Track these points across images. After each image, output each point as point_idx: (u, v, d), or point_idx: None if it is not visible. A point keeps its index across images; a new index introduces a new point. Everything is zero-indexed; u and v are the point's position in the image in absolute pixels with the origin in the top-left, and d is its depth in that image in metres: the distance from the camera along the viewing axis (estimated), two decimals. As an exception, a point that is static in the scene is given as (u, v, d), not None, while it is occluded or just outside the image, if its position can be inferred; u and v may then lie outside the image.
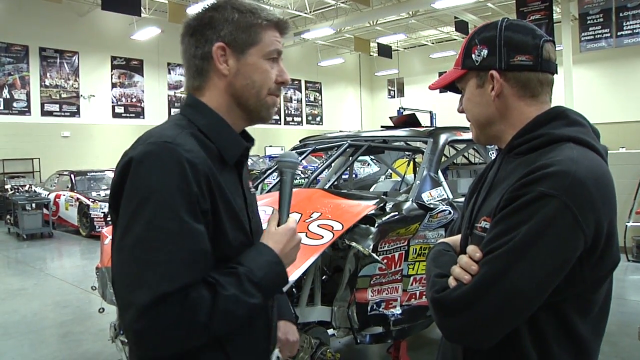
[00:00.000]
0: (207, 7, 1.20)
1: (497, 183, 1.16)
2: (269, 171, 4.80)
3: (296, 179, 4.76)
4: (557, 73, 1.18)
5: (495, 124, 1.18)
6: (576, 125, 1.11)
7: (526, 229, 0.97)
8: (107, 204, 10.15)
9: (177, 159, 1.03)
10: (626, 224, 7.23)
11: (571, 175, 0.98)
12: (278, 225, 1.21)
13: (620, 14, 13.85)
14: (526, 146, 1.12)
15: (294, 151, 4.64)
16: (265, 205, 3.15)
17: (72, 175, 11.99)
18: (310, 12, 19.66)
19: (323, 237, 2.66)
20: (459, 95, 1.28)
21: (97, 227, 10.28)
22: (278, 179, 1.36)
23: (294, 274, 2.30)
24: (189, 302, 0.98)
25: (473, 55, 1.17)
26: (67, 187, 11.85)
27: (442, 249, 1.25)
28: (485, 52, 1.15)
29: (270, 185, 4.69)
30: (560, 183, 0.97)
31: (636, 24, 13.70)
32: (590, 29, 14.25)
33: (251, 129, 1.31)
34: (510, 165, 1.14)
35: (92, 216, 10.46)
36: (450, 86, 1.28)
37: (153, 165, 1.02)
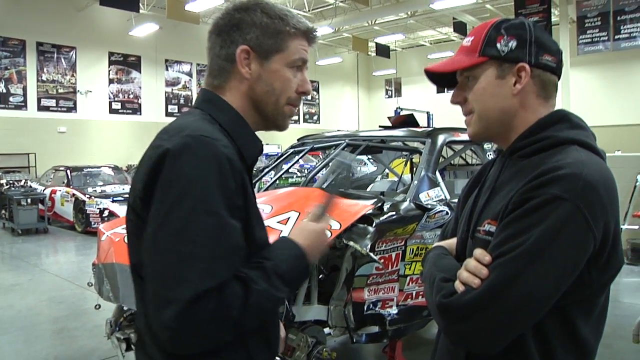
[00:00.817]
0: (237, 6, 1.18)
1: (500, 185, 1.14)
2: (267, 169, 4.80)
3: (291, 177, 4.79)
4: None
5: (506, 120, 1.14)
6: (579, 129, 1.11)
7: (538, 232, 0.96)
8: (102, 200, 10.28)
9: (215, 153, 1.02)
10: (621, 226, 7.26)
11: (582, 178, 0.98)
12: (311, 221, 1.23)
13: (618, 18, 13.91)
14: (530, 148, 1.11)
15: (291, 149, 4.64)
16: (263, 204, 3.15)
17: (68, 171, 11.95)
18: (308, 10, 19.67)
19: (321, 236, 2.66)
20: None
21: (92, 223, 10.24)
22: (332, 176, 1.36)
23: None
24: (223, 298, 0.97)
25: (498, 45, 1.12)
26: (63, 182, 11.81)
27: (440, 253, 1.23)
28: (513, 43, 1.11)
29: (268, 184, 4.69)
30: (572, 186, 0.97)
31: (633, 27, 13.77)
32: (588, 32, 14.31)
33: None
34: (514, 168, 1.13)
35: (87, 212, 10.42)
36: (442, 77, 1.23)
37: (192, 158, 1.00)
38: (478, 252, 1.03)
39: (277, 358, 1.34)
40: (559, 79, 1.16)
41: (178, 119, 1.16)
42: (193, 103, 1.24)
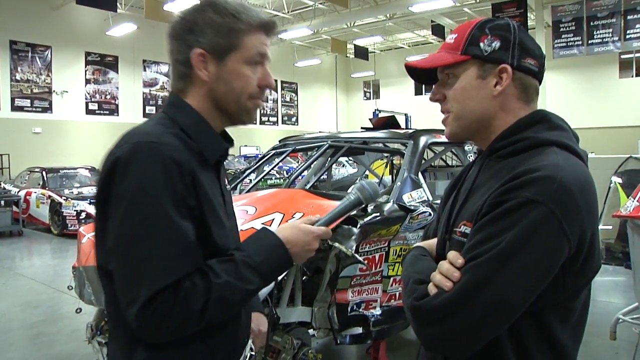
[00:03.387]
0: (190, 8, 1.20)
1: (477, 187, 1.13)
2: (248, 171, 4.78)
3: (270, 178, 4.78)
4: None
5: (484, 121, 1.13)
6: (558, 130, 1.09)
7: (511, 236, 0.94)
8: (79, 202, 10.12)
9: (162, 158, 1.06)
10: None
11: (557, 181, 0.95)
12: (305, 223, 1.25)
13: (591, 23, 14.23)
14: (508, 149, 1.09)
15: (272, 151, 4.63)
16: (246, 205, 3.14)
17: (44, 172, 11.71)
18: (287, 12, 19.66)
19: (306, 237, 2.66)
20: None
21: (69, 225, 10.07)
22: (348, 198, 1.35)
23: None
24: (182, 292, 1.04)
25: (481, 44, 1.10)
26: (39, 184, 11.56)
27: (419, 254, 1.21)
28: (497, 44, 1.10)
29: (250, 186, 4.67)
30: (546, 189, 0.95)
31: (605, 33, 14.11)
32: (563, 36, 14.62)
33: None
34: (492, 169, 1.12)
35: (64, 214, 10.23)
36: (423, 73, 1.21)
37: (140, 165, 1.06)
38: (452, 254, 1.02)
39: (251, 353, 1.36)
40: (540, 84, 1.15)
41: (139, 124, 1.20)
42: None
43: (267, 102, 25.99)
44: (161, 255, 1.04)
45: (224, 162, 1.32)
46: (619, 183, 7.20)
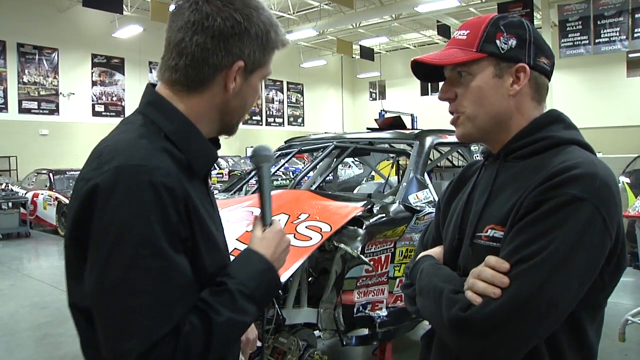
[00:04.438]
0: (240, 12, 1.02)
1: (498, 189, 1.08)
2: (254, 172, 4.77)
3: (276, 179, 4.77)
4: None
5: (500, 121, 1.09)
6: (573, 129, 1.09)
7: (561, 236, 0.91)
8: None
9: (153, 186, 0.90)
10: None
11: (598, 178, 0.94)
12: (264, 227, 1.13)
13: (598, 22, 14.14)
14: (528, 149, 1.07)
15: (278, 152, 4.63)
16: (252, 206, 3.13)
17: (51, 174, 11.77)
18: (293, 13, 19.66)
19: (311, 238, 2.65)
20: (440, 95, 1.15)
21: (75, 227, 10.09)
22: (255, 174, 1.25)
23: (282, 275, 2.29)
24: (181, 340, 0.90)
25: (498, 42, 1.06)
26: (46, 186, 11.63)
27: (435, 263, 1.16)
28: (513, 42, 1.06)
29: (255, 187, 4.66)
30: (589, 185, 0.93)
31: (612, 32, 14.01)
32: (570, 35, 14.53)
33: None
34: (512, 170, 1.08)
35: (70, 216, 10.27)
36: (428, 70, 1.17)
37: (126, 196, 0.89)
38: (493, 259, 0.96)
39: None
40: (549, 81, 1.14)
41: (115, 133, 1.03)
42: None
43: (273, 103, 26.00)
44: (155, 303, 0.89)
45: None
46: (627, 183, 7.15)
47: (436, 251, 1.20)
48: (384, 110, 18.26)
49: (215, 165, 1.27)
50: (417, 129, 4.23)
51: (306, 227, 2.76)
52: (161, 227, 0.90)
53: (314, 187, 4.32)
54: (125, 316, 0.88)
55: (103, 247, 0.90)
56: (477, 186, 1.16)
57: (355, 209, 3.02)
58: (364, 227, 2.93)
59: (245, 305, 1.00)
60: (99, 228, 0.90)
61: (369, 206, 3.08)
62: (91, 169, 0.94)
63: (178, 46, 1.02)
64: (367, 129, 4.93)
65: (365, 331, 3.16)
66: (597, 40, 14.23)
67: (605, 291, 1.01)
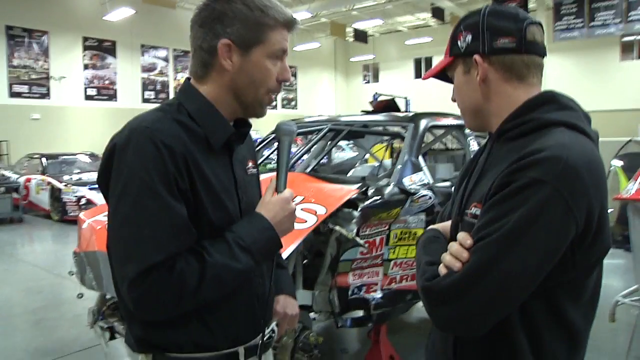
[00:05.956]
0: (219, 2, 1.21)
1: (487, 168, 1.14)
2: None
3: (269, 163, 4.76)
4: (545, 55, 1.16)
5: (483, 110, 1.16)
6: (567, 110, 1.10)
7: (517, 216, 0.95)
8: (79, 188, 10.13)
9: (152, 142, 1.12)
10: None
11: (563, 161, 0.96)
12: (275, 193, 1.29)
13: (593, 5, 14.11)
14: (516, 131, 1.10)
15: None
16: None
17: (44, 159, 11.70)
18: (287, -5, 19.47)
19: (307, 221, 2.66)
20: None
21: (69, 211, 10.06)
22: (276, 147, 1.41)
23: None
24: (176, 271, 1.09)
25: (459, 42, 1.16)
26: (38, 170, 11.55)
27: (432, 236, 1.23)
28: (469, 37, 1.14)
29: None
30: (551, 169, 0.96)
31: (607, 15, 13.98)
32: (564, 18, 14.50)
33: None
34: (501, 151, 1.13)
35: (64, 200, 10.23)
36: (444, 76, 1.27)
37: (133, 150, 1.12)
38: (461, 235, 1.04)
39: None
40: (541, 56, 1.14)
41: (148, 110, 1.27)
42: (170, 89, 1.31)
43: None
44: (151, 235, 1.09)
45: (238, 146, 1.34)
46: (620, 166, 7.19)
47: (444, 225, 1.26)
48: (377, 94, 18.16)
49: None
50: (411, 112, 4.22)
51: (302, 209, 2.76)
52: (159, 176, 1.11)
53: (308, 170, 4.31)
54: (127, 245, 1.11)
55: (116, 190, 1.14)
56: (476, 165, 1.22)
57: (350, 191, 3.03)
58: (358, 209, 2.93)
59: (240, 254, 1.17)
60: (113, 176, 1.14)
61: (364, 189, 3.08)
62: (117, 133, 1.19)
63: (190, 45, 1.27)
64: (362, 111, 4.91)
65: (360, 313, 3.17)
66: (591, 24, 14.22)
67: (577, 269, 1.02)
